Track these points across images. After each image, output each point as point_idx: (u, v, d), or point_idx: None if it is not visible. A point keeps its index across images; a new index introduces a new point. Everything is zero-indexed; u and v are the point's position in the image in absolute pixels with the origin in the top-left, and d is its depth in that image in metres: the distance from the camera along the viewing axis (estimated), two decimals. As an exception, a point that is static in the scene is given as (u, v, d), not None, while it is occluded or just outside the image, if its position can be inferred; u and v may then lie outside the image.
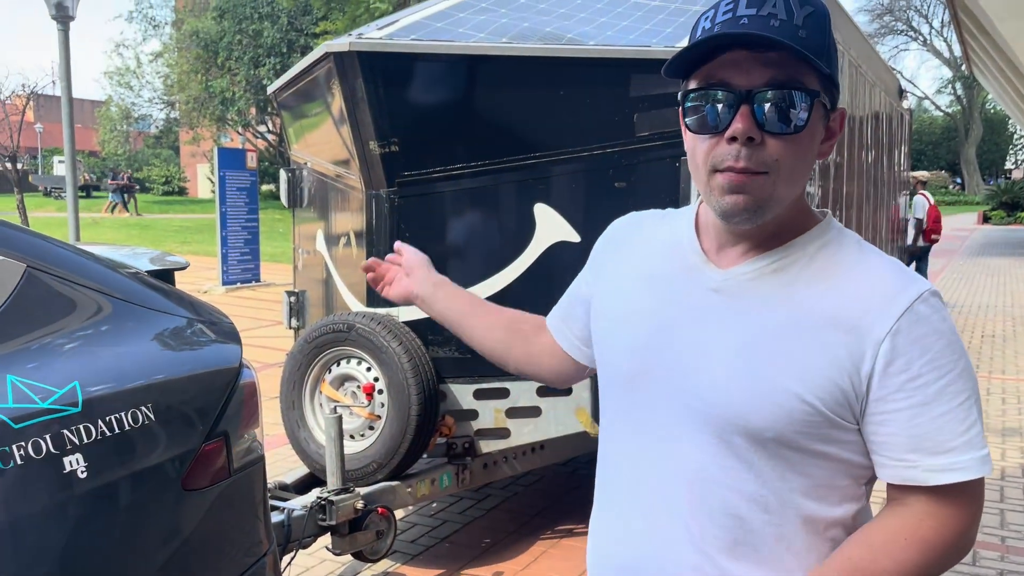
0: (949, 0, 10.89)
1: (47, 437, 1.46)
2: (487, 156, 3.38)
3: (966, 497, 1.06)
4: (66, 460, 1.48)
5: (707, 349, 1.11)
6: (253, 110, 28.71)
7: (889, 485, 1.09)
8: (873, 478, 1.13)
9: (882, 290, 1.06)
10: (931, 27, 44.04)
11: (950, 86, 44.98)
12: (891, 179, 9.26)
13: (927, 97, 47.49)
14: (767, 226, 1.12)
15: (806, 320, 1.07)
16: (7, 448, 1.41)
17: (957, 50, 38.34)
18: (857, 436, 1.08)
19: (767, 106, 1.03)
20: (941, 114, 46.64)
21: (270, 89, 4.51)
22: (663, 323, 1.16)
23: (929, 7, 42.89)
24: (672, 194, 3.31)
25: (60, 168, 37.98)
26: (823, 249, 1.12)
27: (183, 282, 2.21)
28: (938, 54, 44.11)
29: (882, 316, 1.04)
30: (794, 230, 1.13)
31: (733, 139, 1.03)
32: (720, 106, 1.04)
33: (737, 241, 1.15)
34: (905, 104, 10.72)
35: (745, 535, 1.10)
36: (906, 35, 45.13)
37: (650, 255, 1.24)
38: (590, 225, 3.45)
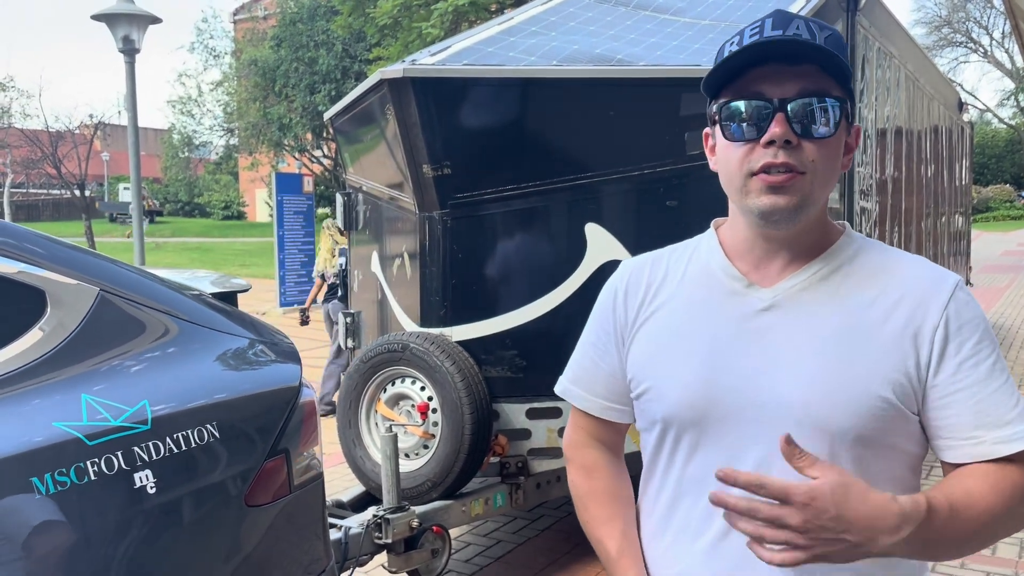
0: (1009, 11, 10.63)
1: (119, 453, 1.53)
2: (538, 177, 3.41)
3: (1021, 463, 1.11)
4: (136, 476, 1.54)
5: (776, 364, 1.14)
6: (309, 135, 29.31)
7: (951, 466, 1.14)
8: (920, 467, 1.19)
9: (924, 284, 1.15)
10: (992, 38, 42.94)
11: (1013, 98, 43.75)
12: (952, 193, 9.05)
13: (989, 109, 46.19)
14: (802, 237, 1.18)
15: (865, 321, 1.13)
16: (82, 464, 1.48)
17: (1019, 61, 37.36)
18: (916, 426, 1.15)
19: (801, 112, 1.10)
20: (1004, 127, 45.37)
21: (327, 115, 4.63)
22: (720, 349, 1.18)
23: (989, 18, 41.84)
24: (723, 212, 3.29)
25: (126, 195, 39.25)
26: (858, 255, 1.19)
27: (241, 304, 2.28)
28: (1000, 65, 42.97)
29: (932, 308, 1.13)
30: (825, 242, 1.20)
31: (770, 143, 1.10)
32: (756, 114, 1.11)
33: (774, 256, 1.19)
34: (965, 117, 10.49)
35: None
36: (966, 47, 44.07)
37: (681, 289, 1.25)
38: (641, 244, 3.44)
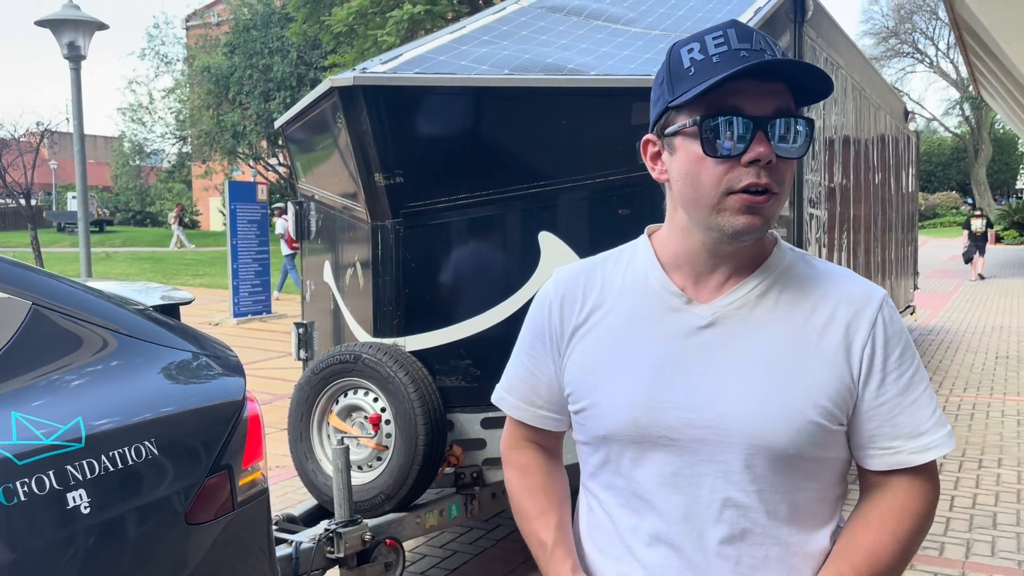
0: (954, 22, 10.94)
1: (50, 473, 1.47)
2: (491, 186, 3.40)
3: (934, 470, 1.19)
4: (69, 496, 1.49)
5: (719, 382, 1.14)
6: (264, 143, 28.97)
7: (869, 473, 1.20)
8: (847, 471, 1.22)
9: (854, 299, 1.17)
10: (937, 49, 44.02)
11: (958, 107, 44.97)
12: (899, 200, 9.25)
13: (935, 118, 47.41)
14: (746, 251, 1.17)
15: (803, 338, 1.14)
16: (11, 484, 1.42)
17: (964, 71, 38.40)
18: (844, 436, 1.18)
19: (780, 132, 1.10)
20: (950, 135, 46.62)
21: (278, 123, 4.57)
22: (663, 367, 1.17)
23: (935, 29, 42.94)
24: (675, 221, 3.31)
25: (74, 204, 38.36)
26: (791, 269, 1.20)
27: (194, 314, 2.23)
28: (945, 76, 44.12)
29: (861, 324, 1.16)
30: (761, 254, 1.20)
31: (752, 162, 1.09)
32: (740, 132, 1.09)
33: (714, 271, 1.18)
34: (912, 126, 10.74)
35: (768, 550, 1.15)
36: (912, 57, 45.16)
37: (619, 303, 1.23)
38: (595, 252, 3.44)
